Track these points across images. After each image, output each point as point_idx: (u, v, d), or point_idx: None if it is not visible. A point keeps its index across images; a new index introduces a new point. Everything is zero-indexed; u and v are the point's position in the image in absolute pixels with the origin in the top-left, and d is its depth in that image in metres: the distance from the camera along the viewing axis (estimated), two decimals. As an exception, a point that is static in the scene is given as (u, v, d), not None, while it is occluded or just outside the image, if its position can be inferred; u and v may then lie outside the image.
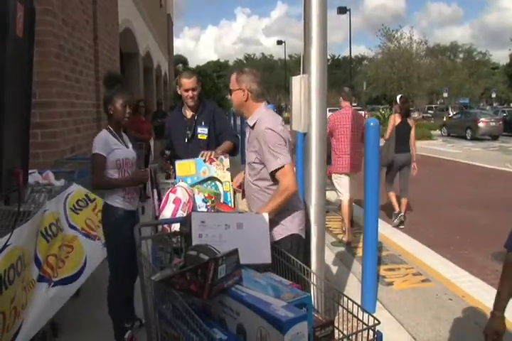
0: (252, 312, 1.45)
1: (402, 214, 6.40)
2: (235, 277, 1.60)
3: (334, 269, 4.78)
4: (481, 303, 3.94)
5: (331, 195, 6.84)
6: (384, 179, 6.31)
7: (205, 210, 2.77)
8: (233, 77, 2.69)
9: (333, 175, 5.71)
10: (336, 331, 1.70)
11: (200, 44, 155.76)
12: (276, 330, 1.35)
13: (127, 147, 3.26)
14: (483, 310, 3.78)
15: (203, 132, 3.80)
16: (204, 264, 1.53)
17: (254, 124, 2.61)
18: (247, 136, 2.72)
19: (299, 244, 2.63)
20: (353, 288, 4.13)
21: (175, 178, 3.11)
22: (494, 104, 47.74)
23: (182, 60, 40.01)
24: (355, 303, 1.70)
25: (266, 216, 2.16)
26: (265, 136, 2.49)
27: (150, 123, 9.17)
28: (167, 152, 3.89)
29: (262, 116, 2.59)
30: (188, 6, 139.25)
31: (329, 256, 5.03)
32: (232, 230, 2.03)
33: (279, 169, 2.47)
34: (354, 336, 1.59)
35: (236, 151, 3.83)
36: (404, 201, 6.48)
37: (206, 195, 2.77)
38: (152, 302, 1.91)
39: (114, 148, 3.08)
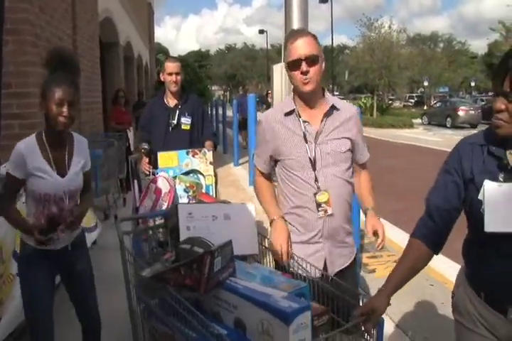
0: (251, 305, 1.40)
1: None
2: (229, 269, 1.56)
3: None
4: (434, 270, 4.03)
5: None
6: None
7: (187, 200, 2.74)
8: (310, 39, 2.01)
9: None
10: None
11: (181, 33, 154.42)
12: (280, 322, 1.32)
13: (61, 173, 2.23)
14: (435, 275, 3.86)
15: (186, 122, 3.76)
16: (199, 257, 1.47)
17: (334, 105, 2.08)
18: (322, 122, 2.06)
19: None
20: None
21: (156, 168, 3.07)
22: (473, 93, 48.36)
23: (164, 51, 39.61)
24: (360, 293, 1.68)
25: (252, 206, 2.09)
26: (359, 120, 2.16)
27: (130, 114, 9.08)
28: (145, 145, 3.69)
29: (334, 98, 2.15)
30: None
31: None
32: (220, 221, 1.98)
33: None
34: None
35: (215, 149, 3.88)
36: None
37: (188, 184, 2.75)
38: (136, 299, 1.86)
39: (32, 174, 2.16)
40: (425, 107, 29.12)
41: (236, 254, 1.66)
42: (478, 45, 77.62)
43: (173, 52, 62.54)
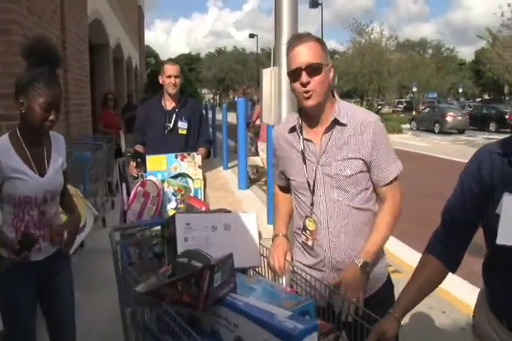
0: (253, 325, 1.30)
1: None
2: (230, 284, 1.45)
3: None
4: (448, 293, 4.03)
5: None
6: None
7: (175, 204, 2.71)
8: (314, 45, 1.75)
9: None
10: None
11: (171, 37, 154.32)
12: None
13: (41, 173, 2.08)
14: (450, 299, 3.87)
15: (183, 126, 3.71)
16: (198, 272, 1.37)
17: (337, 120, 1.80)
18: (323, 140, 1.81)
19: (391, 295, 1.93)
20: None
21: (145, 172, 3.03)
22: (461, 99, 48.83)
23: (153, 54, 39.48)
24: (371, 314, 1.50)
25: (253, 215, 1.96)
26: (379, 130, 1.79)
27: (119, 116, 9.04)
28: (138, 147, 3.62)
29: (349, 108, 1.83)
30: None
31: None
32: (220, 232, 1.88)
33: (395, 179, 1.84)
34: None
35: (209, 156, 3.86)
36: None
37: (176, 188, 2.72)
38: (129, 315, 1.78)
39: (8, 176, 2.00)
40: (414, 113, 29.33)
41: (237, 267, 1.56)
42: (466, 52, 78.80)
43: (164, 56, 62.46)
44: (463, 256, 1.55)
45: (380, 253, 1.86)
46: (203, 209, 2.63)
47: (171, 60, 3.99)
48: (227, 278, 1.43)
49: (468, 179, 1.47)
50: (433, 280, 1.53)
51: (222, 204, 7.50)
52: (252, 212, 2.01)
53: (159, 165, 2.95)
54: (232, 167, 11.00)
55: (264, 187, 8.00)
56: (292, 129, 1.88)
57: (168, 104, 3.74)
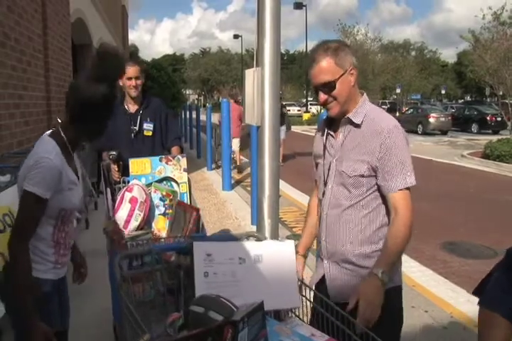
0: None
1: None
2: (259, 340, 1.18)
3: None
4: (431, 292, 4.07)
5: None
6: None
7: (163, 209, 2.59)
8: (323, 63, 1.83)
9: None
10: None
11: (155, 37, 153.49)
12: None
13: (79, 179, 1.97)
14: (433, 299, 3.91)
15: (148, 128, 3.61)
16: (217, 329, 1.05)
17: (362, 121, 1.86)
18: (341, 137, 1.90)
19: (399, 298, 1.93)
20: (307, 280, 4.18)
21: (127, 176, 2.89)
22: (444, 100, 49.41)
23: (134, 51, 38.41)
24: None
25: (291, 243, 1.66)
26: (392, 138, 1.79)
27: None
28: (113, 152, 3.36)
29: (370, 110, 1.89)
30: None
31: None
32: (249, 265, 1.53)
33: (401, 190, 1.81)
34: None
35: (181, 152, 3.67)
36: None
37: (164, 193, 2.61)
38: None
39: (65, 188, 1.83)
40: (397, 114, 29.58)
41: (269, 309, 1.32)
42: (448, 54, 79.65)
43: (148, 56, 62.01)
44: None
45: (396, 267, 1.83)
46: (194, 214, 2.46)
47: (130, 61, 3.79)
48: (255, 334, 1.15)
49: None
50: None
51: (206, 205, 7.48)
52: (289, 240, 1.69)
53: (143, 169, 2.83)
54: (216, 168, 10.98)
55: (249, 188, 7.99)
56: (323, 124, 2.02)
57: (131, 107, 3.64)
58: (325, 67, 1.83)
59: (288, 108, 22.62)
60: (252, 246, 1.60)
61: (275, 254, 1.59)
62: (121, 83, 3.56)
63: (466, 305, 3.94)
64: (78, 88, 1.83)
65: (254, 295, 1.38)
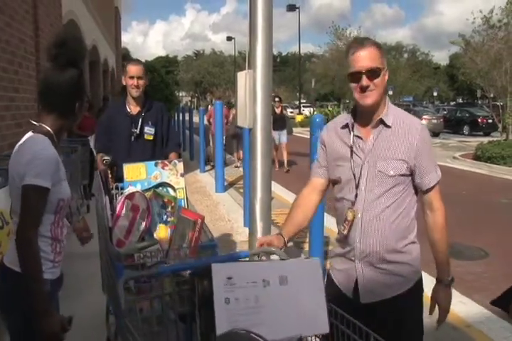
0: None
1: None
2: None
3: (282, 264, 4.81)
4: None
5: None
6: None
7: (165, 217, 2.45)
8: (373, 50, 1.84)
9: None
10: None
11: (148, 39, 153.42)
12: None
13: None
14: (425, 299, 3.91)
15: (149, 132, 3.49)
16: None
17: (392, 122, 1.90)
18: (371, 138, 1.91)
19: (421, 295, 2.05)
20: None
21: (121, 182, 2.72)
22: (436, 103, 49.70)
23: (129, 58, 38.43)
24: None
25: (317, 261, 1.50)
26: (423, 137, 1.88)
27: (94, 119, 8.93)
28: (106, 157, 3.26)
29: (396, 111, 1.94)
30: (136, 0, 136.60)
31: (277, 251, 5.05)
32: (274, 287, 1.37)
33: (435, 185, 1.91)
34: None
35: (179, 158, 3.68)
36: None
37: (165, 200, 2.48)
38: None
39: (62, 178, 1.90)
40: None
41: (295, 336, 1.23)
42: (440, 57, 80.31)
43: (141, 58, 61.91)
44: None
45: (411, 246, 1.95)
46: (199, 222, 2.37)
47: (134, 60, 3.72)
48: None
49: None
50: None
51: (199, 207, 7.46)
52: (314, 258, 1.56)
53: (138, 174, 2.67)
54: (209, 170, 10.97)
55: (241, 190, 7.99)
56: (345, 126, 1.98)
57: (133, 109, 3.52)
58: (374, 54, 1.84)
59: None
60: (276, 267, 1.44)
61: (301, 275, 1.43)
62: (123, 82, 3.50)
63: (457, 305, 3.95)
64: (46, 78, 1.91)
65: (280, 323, 1.32)
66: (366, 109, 1.90)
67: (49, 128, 1.90)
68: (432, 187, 1.90)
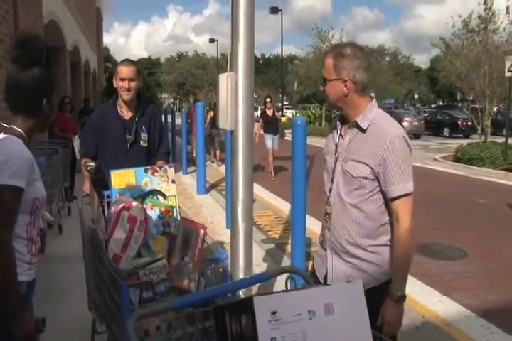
0: None
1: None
2: None
3: (264, 266, 4.83)
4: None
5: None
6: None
7: (162, 228, 2.29)
8: (329, 61, 1.95)
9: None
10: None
11: (130, 40, 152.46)
12: None
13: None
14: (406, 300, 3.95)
15: (144, 138, 3.30)
16: None
17: (367, 126, 1.94)
18: (347, 138, 2.01)
19: None
20: (283, 284, 4.19)
21: (108, 189, 2.50)
22: (417, 105, 50.29)
23: (112, 60, 38.11)
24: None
25: (360, 284, 1.28)
26: (395, 147, 1.87)
27: (75, 121, 8.86)
28: (91, 163, 2.89)
29: (377, 117, 1.97)
30: (118, 1, 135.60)
31: (259, 253, 5.07)
32: (320, 319, 1.18)
33: (401, 196, 1.89)
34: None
35: (170, 164, 3.56)
36: None
37: (163, 209, 2.33)
38: None
39: (37, 177, 1.87)
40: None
41: None
42: (421, 60, 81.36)
43: (122, 59, 61.38)
44: None
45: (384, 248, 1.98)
46: (202, 232, 2.23)
47: (126, 60, 3.35)
48: None
49: None
50: None
51: (182, 209, 7.44)
52: (357, 280, 1.30)
53: (127, 181, 2.48)
54: (192, 172, 10.95)
55: (223, 192, 7.98)
56: (337, 123, 2.12)
57: (125, 112, 3.30)
58: (326, 64, 1.98)
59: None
60: (319, 294, 1.24)
61: (346, 301, 1.25)
62: (114, 84, 3.27)
63: (437, 305, 4.01)
64: (8, 79, 1.89)
65: None
66: (338, 110, 2.09)
67: (19, 129, 1.88)
68: (397, 198, 1.89)
